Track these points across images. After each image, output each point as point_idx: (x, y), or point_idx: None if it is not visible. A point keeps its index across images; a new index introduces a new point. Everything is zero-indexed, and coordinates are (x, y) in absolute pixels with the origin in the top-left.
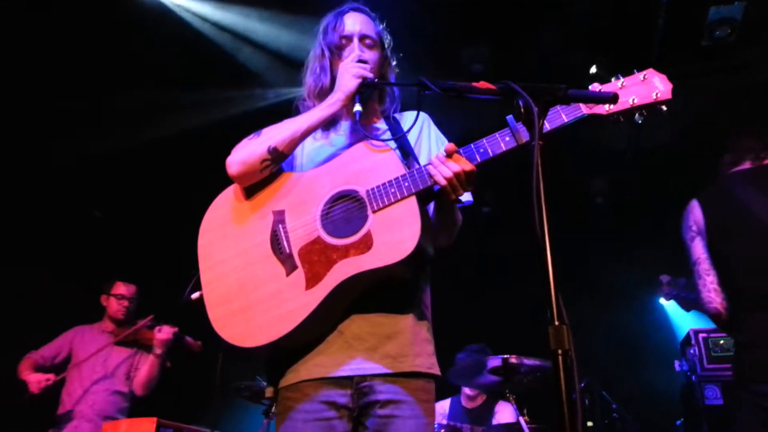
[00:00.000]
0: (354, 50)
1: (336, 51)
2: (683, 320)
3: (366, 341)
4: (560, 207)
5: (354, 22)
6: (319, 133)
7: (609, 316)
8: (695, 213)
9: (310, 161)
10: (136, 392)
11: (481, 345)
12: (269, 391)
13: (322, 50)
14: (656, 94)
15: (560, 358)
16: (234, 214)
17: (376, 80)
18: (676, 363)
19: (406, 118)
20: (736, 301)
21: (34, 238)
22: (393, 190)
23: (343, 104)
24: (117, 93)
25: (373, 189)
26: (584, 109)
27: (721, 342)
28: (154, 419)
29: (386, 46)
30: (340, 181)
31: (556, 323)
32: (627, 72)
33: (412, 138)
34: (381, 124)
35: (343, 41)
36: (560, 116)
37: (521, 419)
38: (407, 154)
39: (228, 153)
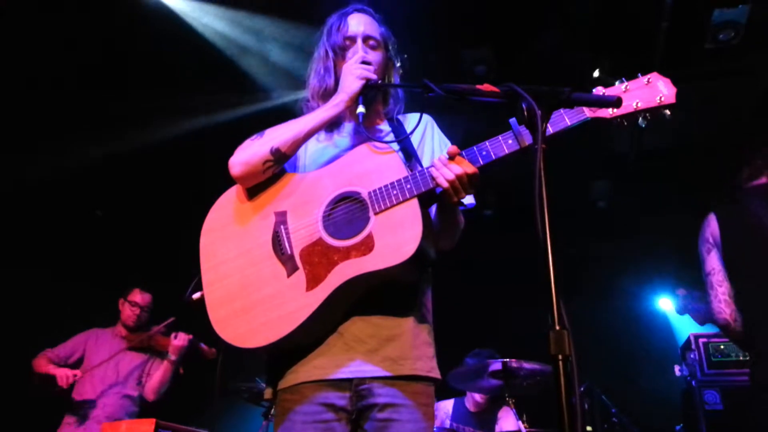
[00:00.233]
0: (358, 51)
1: (340, 52)
2: (683, 325)
3: (366, 343)
4: (562, 210)
5: (358, 23)
6: (322, 135)
7: (610, 320)
8: (712, 226)
9: (313, 162)
10: (147, 397)
11: (491, 351)
12: (268, 393)
13: (326, 51)
14: (660, 98)
15: (561, 363)
16: (236, 215)
17: (379, 82)
18: (676, 368)
19: (410, 120)
20: (750, 313)
21: (36, 238)
22: (395, 192)
23: (347, 105)
24: (118, 94)
25: (375, 191)
26: (588, 112)
27: (722, 347)
28: (153, 420)
29: (390, 47)
30: (343, 183)
31: (557, 328)
32: (631, 75)
33: (415, 140)
34: (384, 126)
35: (347, 42)
36: (563, 119)
37: (521, 426)
38: (410, 156)
39: (231, 154)
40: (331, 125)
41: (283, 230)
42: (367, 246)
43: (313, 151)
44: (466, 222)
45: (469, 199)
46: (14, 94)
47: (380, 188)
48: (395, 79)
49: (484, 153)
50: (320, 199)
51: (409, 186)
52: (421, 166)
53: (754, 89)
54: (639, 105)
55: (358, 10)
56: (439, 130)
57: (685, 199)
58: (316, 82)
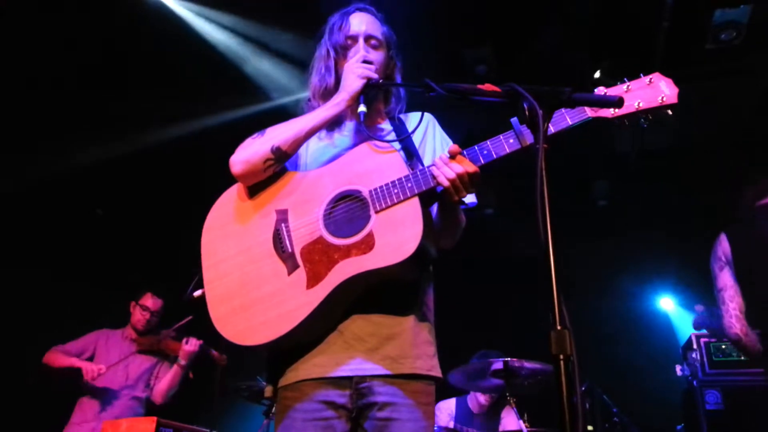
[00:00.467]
0: (359, 50)
1: (341, 51)
2: (685, 325)
3: (366, 342)
4: (563, 210)
5: (360, 23)
6: (323, 134)
7: (611, 319)
8: (723, 245)
9: (314, 161)
10: (156, 400)
11: (498, 352)
12: (268, 390)
13: (328, 50)
14: (662, 98)
15: (562, 362)
16: (237, 213)
17: (381, 81)
18: (678, 367)
19: (411, 119)
20: (764, 327)
21: (36, 237)
22: (396, 190)
23: (348, 104)
24: (118, 94)
25: (376, 189)
26: (589, 112)
27: (723, 347)
28: (154, 418)
29: (391, 46)
30: (344, 181)
31: (559, 327)
32: (632, 75)
33: (416, 139)
34: (385, 125)
35: (349, 41)
36: (565, 119)
37: (523, 426)
38: (411, 155)
39: (232, 153)
40: (333, 124)
41: (284, 228)
42: (367, 244)
43: (314, 149)
44: (467, 221)
45: (470, 198)
46: (14, 94)
47: (381, 187)
48: (397, 78)
49: (485, 152)
50: (321, 198)
51: (410, 185)
52: (423, 165)
53: (755, 89)
54: (641, 105)
55: (360, 9)
56: (440, 129)
57: (685, 198)
58: (318, 80)
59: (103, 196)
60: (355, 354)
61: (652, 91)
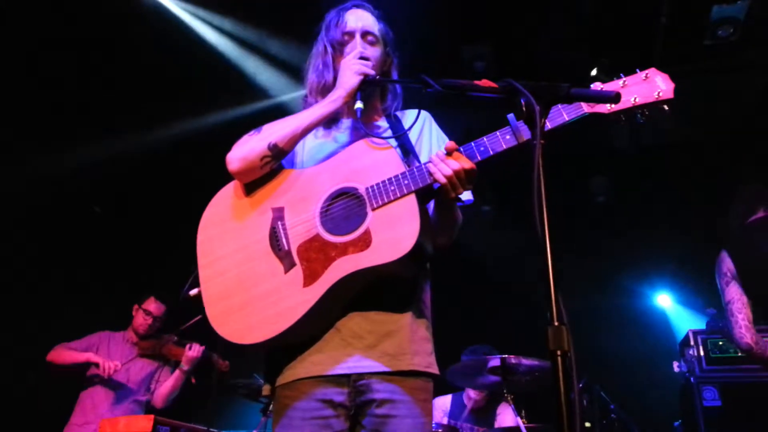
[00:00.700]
0: (356, 47)
1: (338, 47)
2: (682, 321)
3: (364, 339)
4: (561, 206)
5: (356, 19)
6: (320, 131)
7: (608, 316)
8: (727, 262)
9: (311, 158)
10: (156, 405)
11: (489, 347)
12: (266, 389)
13: (325, 47)
14: (658, 94)
15: (559, 358)
16: (234, 211)
17: (377, 77)
18: (675, 364)
19: (408, 117)
20: None
21: (36, 237)
22: (393, 187)
23: (345, 101)
24: (117, 94)
25: (372, 186)
26: (586, 107)
27: (720, 343)
28: (152, 417)
29: (388, 43)
30: (340, 179)
31: (556, 324)
32: (630, 72)
33: (413, 136)
34: (382, 122)
35: (345, 37)
36: (562, 115)
37: (520, 422)
38: (408, 152)
39: (229, 150)
40: (330, 121)
41: (280, 226)
42: (364, 242)
43: (311, 147)
44: (464, 218)
45: (467, 195)
46: (14, 93)
47: (378, 184)
48: (393, 75)
49: (481, 148)
50: (318, 195)
51: (406, 182)
52: (419, 162)
53: (752, 85)
54: (637, 100)
55: (357, 6)
56: (437, 126)
57: (683, 194)
58: (315, 77)
59: (101, 194)
60: (353, 351)
61: (648, 87)
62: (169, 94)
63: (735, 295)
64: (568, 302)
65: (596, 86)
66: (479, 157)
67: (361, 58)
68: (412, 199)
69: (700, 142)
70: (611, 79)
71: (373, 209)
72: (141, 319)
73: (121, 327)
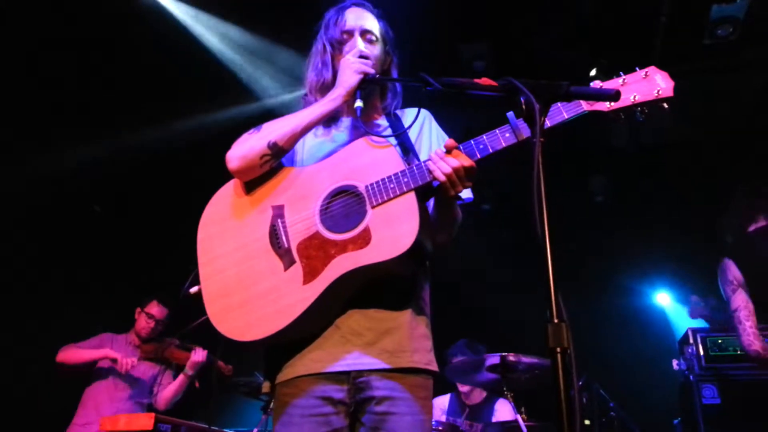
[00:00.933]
0: (355, 45)
1: (337, 46)
2: (681, 319)
3: (363, 336)
4: (560, 205)
5: (356, 17)
6: (320, 129)
7: (607, 314)
8: (732, 270)
9: (310, 157)
10: (158, 407)
11: (467, 340)
12: (266, 386)
13: (324, 45)
14: (658, 92)
15: (559, 355)
16: (234, 209)
17: (377, 76)
18: (674, 362)
19: (408, 115)
20: None
21: (36, 236)
22: (392, 185)
23: (344, 100)
24: (116, 94)
25: (372, 184)
26: (585, 106)
27: (720, 341)
28: (152, 414)
29: (388, 41)
30: (340, 177)
31: (556, 321)
32: (629, 70)
33: (412, 135)
34: (382, 121)
35: (345, 36)
36: (561, 113)
37: (519, 418)
38: (407, 150)
39: (229, 149)
40: (329, 120)
41: (280, 224)
42: (363, 239)
43: (310, 145)
44: (463, 216)
45: (466, 194)
46: (13, 93)
47: (377, 182)
48: (393, 73)
49: (481, 146)
50: (317, 193)
51: (406, 179)
52: (419, 160)
53: (752, 85)
54: (636, 98)
55: (356, 4)
56: (437, 125)
57: (682, 193)
58: (314, 76)
59: (101, 194)
60: (352, 348)
61: (648, 85)
62: (169, 94)
63: (742, 303)
64: (567, 300)
65: (596, 84)
66: (479, 155)
67: (361, 56)
68: (411, 196)
69: (699, 142)
70: (611, 78)
71: (373, 207)
72: (143, 323)
73: (122, 327)
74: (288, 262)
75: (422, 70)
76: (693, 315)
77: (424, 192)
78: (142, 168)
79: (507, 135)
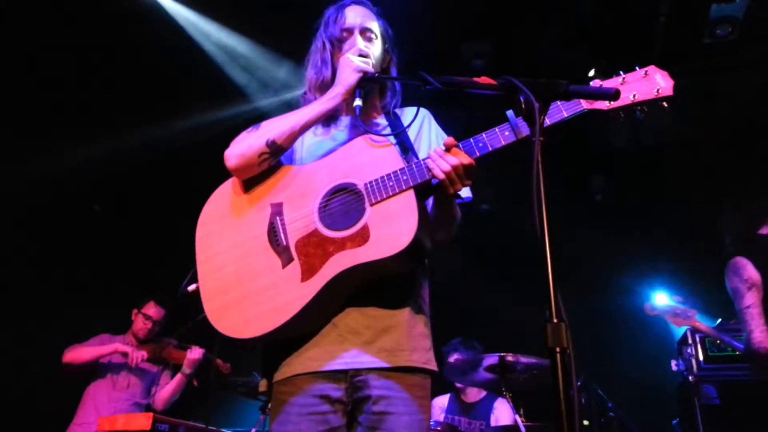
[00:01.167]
0: (355, 43)
1: (337, 44)
2: None
3: (361, 334)
4: (559, 204)
5: (355, 15)
6: (319, 128)
7: (606, 314)
8: (749, 269)
9: (309, 155)
10: (157, 407)
11: (462, 338)
12: (263, 385)
13: (323, 43)
14: (657, 91)
15: (558, 355)
16: (232, 207)
17: (376, 74)
18: (673, 362)
19: (407, 114)
20: None
21: (34, 235)
22: (391, 183)
23: (343, 98)
24: (116, 94)
25: (371, 182)
26: (585, 104)
27: (718, 342)
28: (151, 414)
29: (387, 39)
30: (339, 175)
31: (555, 321)
32: (628, 69)
33: (411, 133)
34: (381, 120)
35: (344, 34)
36: (560, 111)
37: (518, 419)
38: (407, 149)
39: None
40: (328, 119)
41: (278, 221)
42: (362, 237)
43: (309, 144)
44: (463, 216)
45: (465, 192)
46: (13, 93)
47: (376, 180)
48: (392, 72)
49: (480, 144)
50: (316, 191)
51: (405, 177)
52: (418, 158)
53: (751, 84)
54: (636, 97)
55: (356, 2)
56: (436, 123)
57: (681, 192)
58: (314, 74)
59: (101, 194)
60: (350, 347)
61: (648, 84)
62: (169, 94)
63: (756, 300)
64: (566, 300)
65: (595, 83)
66: (478, 153)
67: (360, 55)
68: (410, 194)
69: (698, 141)
70: (610, 77)
71: (372, 205)
72: (141, 324)
73: (121, 327)
74: (286, 259)
75: (421, 68)
76: (651, 309)
77: (423, 190)
78: (142, 168)
79: (506, 133)
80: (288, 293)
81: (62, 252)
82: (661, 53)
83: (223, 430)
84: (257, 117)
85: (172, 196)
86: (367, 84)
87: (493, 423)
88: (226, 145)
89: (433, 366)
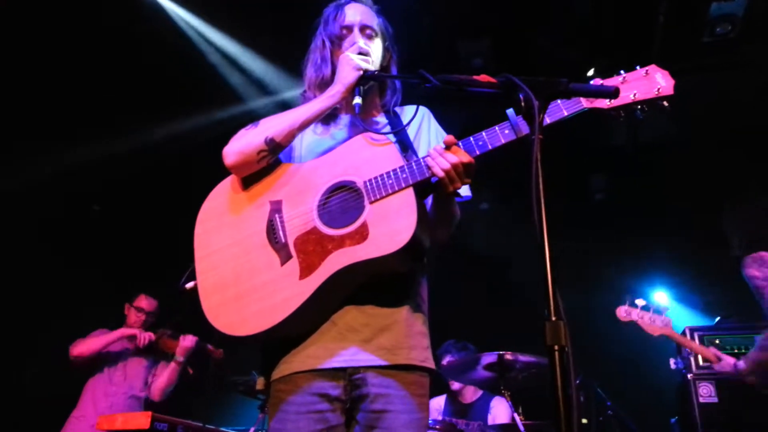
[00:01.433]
0: (354, 41)
1: (336, 42)
2: (679, 318)
3: (360, 332)
4: (559, 203)
5: (355, 13)
6: (319, 126)
7: (605, 312)
8: None
9: (309, 153)
10: (153, 398)
11: (454, 340)
12: (260, 383)
13: (323, 41)
14: (658, 90)
15: (557, 353)
16: (231, 204)
17: (376, 72)
18: (672, 360)
19: (406, 112)
20: None
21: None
22: (390, 181)
23: (343, 96)
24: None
25: (370, 180)
26: (585, 103)
27: (717, 340)
28: (149, 413)
29: (387, 37)
30: (339, 172)
31: (553, 319)
32: (628, 68)
33: (411, 132)
34: (381, 118)
35: (344, 32)
36: (560, 110)
37: (516, 417)
38: (406, 147)
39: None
40: (328, 117)
41: (277, 219)
42: (361, 235)
43: (309, 142)
44: (462, 215)
45: (465, 191)
46: (13, 93)
47: (376, 177)
48: (392, 69)
49: (480, 143)
50: (315, 189)
51: (404, 175)
52: (417, 156)
53: (752, 82)
54: (636, 96)
55: (355, 0)
56: (435, 122)
57: (682, 192)
58: (313, 72)
59: (101, 194)
60: (349, 345)
61: (648, 83)
62: (169, 94)
63: None
64: (565, 298)
65: (596, 82)
66: (478, 152)
67: (360, 53)
68: (409, 192)
69: (698, 140)
70: (611, 76)
71: (371, 202)
72: (134, 317)
73: (120, 326)
74: (285, 256)
75: (421, 66)
76: (626, 313)
77: (422, 188)
78: (141, 168)
79: (506, 132)
80: (286, 290)
81: (62, 252)
82: (660, 52)
83: (221, 428)
84: (258, 116)
85: (173, 197)
86: (366, 82)
87: (490, 422)
88: (226, 142)
89: (431, 364)
